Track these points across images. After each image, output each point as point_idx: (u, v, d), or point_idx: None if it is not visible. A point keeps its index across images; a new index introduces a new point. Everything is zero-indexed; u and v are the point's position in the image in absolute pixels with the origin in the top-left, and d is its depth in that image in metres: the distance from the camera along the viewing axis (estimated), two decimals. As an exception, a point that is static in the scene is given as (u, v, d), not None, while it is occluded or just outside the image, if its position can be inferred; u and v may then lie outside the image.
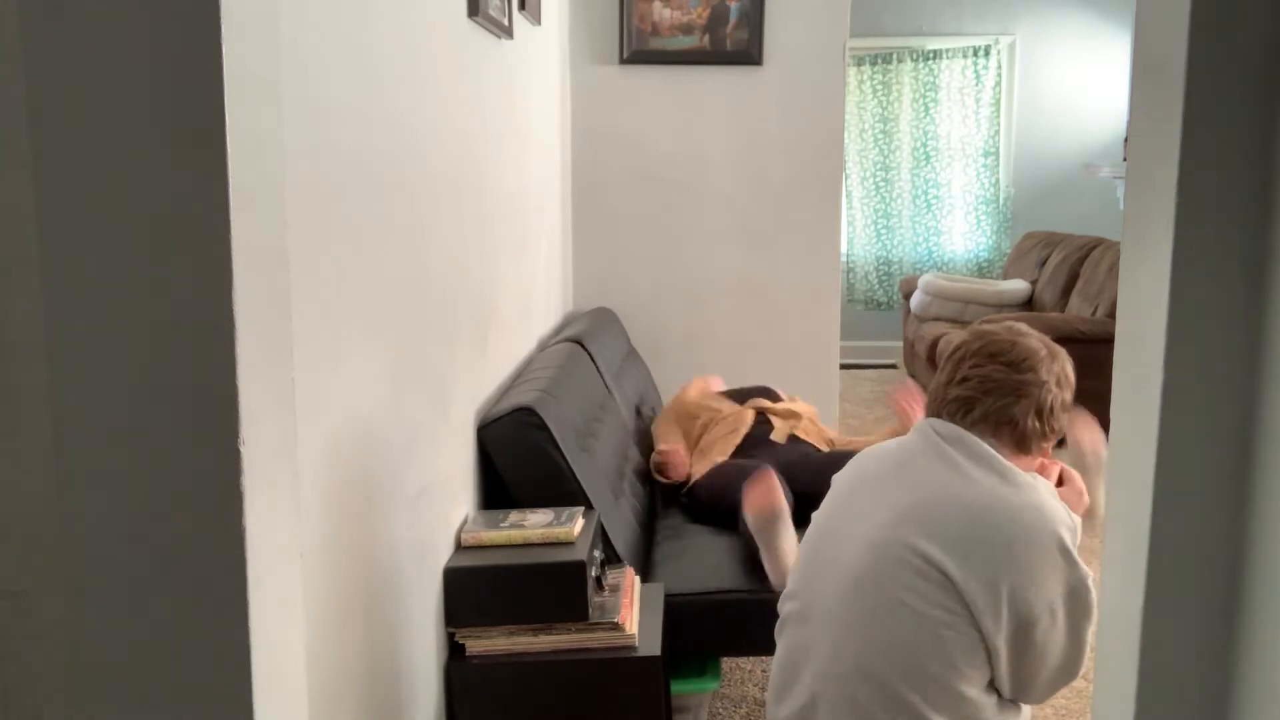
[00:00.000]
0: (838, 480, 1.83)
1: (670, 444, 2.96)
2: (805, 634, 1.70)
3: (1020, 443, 1.69)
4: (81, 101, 0.91)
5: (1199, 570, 0.99)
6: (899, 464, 1.71)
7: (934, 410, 1.74)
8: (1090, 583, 1.61)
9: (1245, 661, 0.97)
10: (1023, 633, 1.56)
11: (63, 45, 0.91)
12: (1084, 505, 1.84)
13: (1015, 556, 1.56)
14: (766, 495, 2.31)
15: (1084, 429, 1.94)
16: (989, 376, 1.69)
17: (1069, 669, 1.64)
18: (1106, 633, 1.09)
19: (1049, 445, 1.74)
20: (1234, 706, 0.99)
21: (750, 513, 2.33)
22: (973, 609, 1.54)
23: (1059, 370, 1.72)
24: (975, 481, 1.61)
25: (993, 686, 1.60)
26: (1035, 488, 1.64)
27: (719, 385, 3.39)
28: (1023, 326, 1.78)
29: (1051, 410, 1.69)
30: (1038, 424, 1.68)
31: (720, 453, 2.90)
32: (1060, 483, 1.85)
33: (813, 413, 3.20)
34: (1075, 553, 1.61)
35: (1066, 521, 1.62)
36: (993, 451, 1.65)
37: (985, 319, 1.53)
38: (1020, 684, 1.62)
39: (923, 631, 1.56)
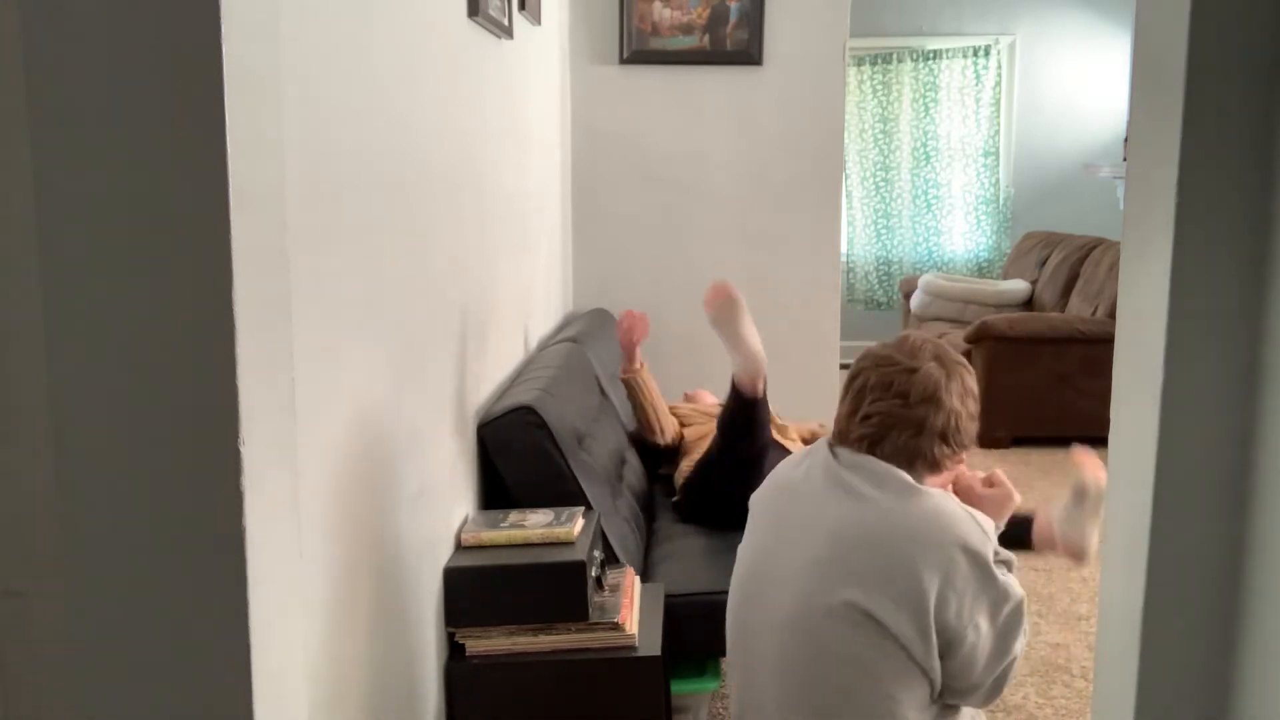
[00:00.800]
0: (755, 509, 1.81)
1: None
2: (751, 676, 1.71)
3: (934, 467, 1.69)
4: (81, 101, 0.91)
5: (1199, 570, 0.99)
6: (807, 498, 1.69)
7: (839, 439, 1.72)
8: (1012, 592, 1.59)
9: (1245, 661, 0.97)
10: (951, 649, 1.57)
11: (63, 45, 0.91)
12: (1011, 508, 1.82)
13: (925, 577, 1.54)
14: (721, 289, 2.46)
15: (1094, 468, 1.91)
16: (889, 413, 1.66)
17: (999, 682, 1.62)
18: (1107, 632, 1.09)
19: (963, 458, 1.74)
20: (1234, 706, 0.99)
21: (710, 310, 2.46)
22: (902, 641, 1.55)
23: (958, 388, 1.69)
24: (877, 506, 1.60)
25: (933, 701, 1.61)
26: (934, 498, 1.61)
27: (710, 399, 3.39)
28: (918, 341, 1.73)
29: (957, 429, 1.68)
30: (945, 448, 1.67)
31: (699, 449, 2.92)
32: (991, 484, 1.85)
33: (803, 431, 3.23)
34: (990, 562, 1.57)
35: (972, 527, 1.59)
36: (893, 470, 1.63)
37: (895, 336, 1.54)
38: (957, 693, 1.62)
39: (859, 673, 1.57)
